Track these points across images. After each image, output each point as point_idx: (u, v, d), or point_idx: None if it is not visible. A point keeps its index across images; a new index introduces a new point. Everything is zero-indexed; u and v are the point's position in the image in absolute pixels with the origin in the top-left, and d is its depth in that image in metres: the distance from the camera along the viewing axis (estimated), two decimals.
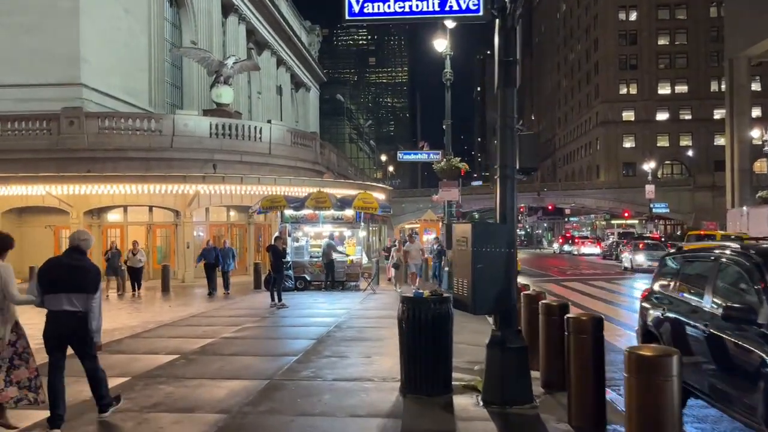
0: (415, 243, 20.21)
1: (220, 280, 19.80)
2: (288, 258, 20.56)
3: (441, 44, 21.42)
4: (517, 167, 6.67)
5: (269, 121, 27.77)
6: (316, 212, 20.81)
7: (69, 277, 5.64)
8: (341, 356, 9.19)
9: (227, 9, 43.82)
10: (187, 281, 24.18)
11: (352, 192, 25.51)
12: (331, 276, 19.72)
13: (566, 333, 5.92)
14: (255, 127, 27.08)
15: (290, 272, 20.18)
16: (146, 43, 33.51)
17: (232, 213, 27.82)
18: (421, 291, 7.18)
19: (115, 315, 14.41)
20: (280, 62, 57.58)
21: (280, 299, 15.72)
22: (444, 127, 21.37)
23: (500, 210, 6.54)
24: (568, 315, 6.07)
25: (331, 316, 13.92)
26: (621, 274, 29.22)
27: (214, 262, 19.53)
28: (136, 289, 19.90)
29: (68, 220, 24.21)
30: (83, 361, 5.78)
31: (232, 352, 9.62)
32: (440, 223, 31.52)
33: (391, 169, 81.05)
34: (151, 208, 25.55)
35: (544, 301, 7.51)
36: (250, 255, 28.07)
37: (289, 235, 20.87)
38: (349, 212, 20.87)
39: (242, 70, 29.47)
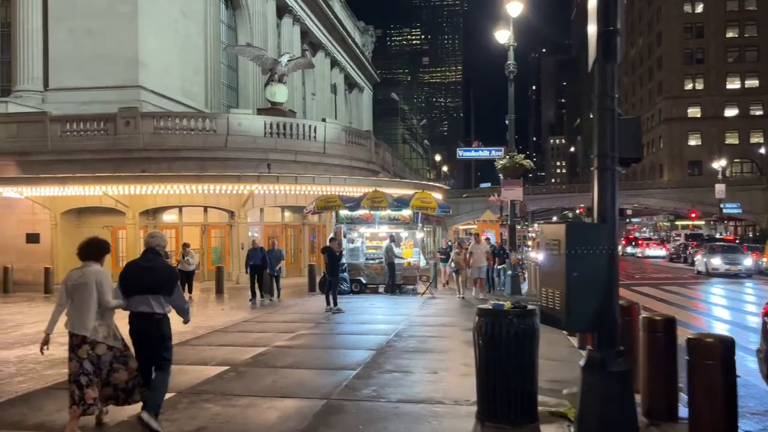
0: (480, 244, 18.74)
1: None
2: (343, 260, 19.90)
3: (503, 35, 20.33)
4: (617, 156, 5.61)
5: (324, 120, 27.21)
6: (372, 212, 20.03)
7: (144, 280, 5.76)
8: (404, 371, 8.29)
9: (282, 10, 43.74)
10: (242, 283, 23.73)
11: (409, 192, 24.61)
12: (392, 279, 18.82)
13: (687, 358, 4.85)
14: (309, 126, 26.52)
15: (345, 275, 19.47)
16: (202, 45, 33.57)
17: (287, 213, 27.34)
18: (501, 302, 6.21)
19: None
20: (334, 63, 57.32)
21: (335, 303, 14.96)
22: (507, 122, 20.23)
23: (599, 208, 5.50)
24: (690, 337, 5.00)
25: (390, 322, 13.05)
26: (695, 279, 27.33)
27: (261, 264, 17.96)
28: (187, 292, 19.07)
29: (125, 220, 24.20)
30: (155, 362, 5.80)
31: (285, 363, 8.85)
32: (499, 224, 30.33)
33: (445, 169, 79.69)
34: (205, 208, 25.31)
35: (645, 315, 6.42)
36: (304, 256, 27.55)
37: (344, 236, 20.15)
38: (406, 212, 19.99)
39: (296, 68, 29.01)
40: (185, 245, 19.61)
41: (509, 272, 20.18)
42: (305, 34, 48.19)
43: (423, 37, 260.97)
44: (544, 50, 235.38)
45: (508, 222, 20.78)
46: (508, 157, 20.00)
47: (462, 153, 21.74)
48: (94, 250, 5.82)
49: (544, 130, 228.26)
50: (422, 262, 20.15)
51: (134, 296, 5.74)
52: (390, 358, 9.20)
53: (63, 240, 24.71)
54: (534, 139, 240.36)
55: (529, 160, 20.11)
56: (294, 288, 21.69)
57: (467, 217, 67.12)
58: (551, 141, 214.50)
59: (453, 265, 19.44)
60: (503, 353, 5.86)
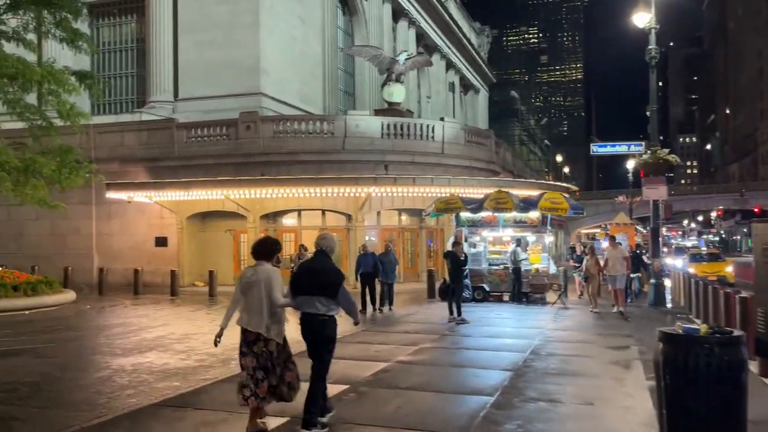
0: (618, 249, 16.34)
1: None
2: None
3: (642, 18, 18.27)
4: None
5: (442, 119, 26.16)
6: (496, 214, 18.65)
7: (312, 281, 5.89)
8: (552, 400, 6.97)
9: (397, 14, 43.42)
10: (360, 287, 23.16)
11: (533, 193, 22.94)
12: (518, 287, 17.40)
13: None
14: (427, 126, 25.55)
15: (467, 281, 18.20)
16: (320, 51, 33.70)
17: (404, 216, 26.52)
18: (694, 326, 4.78)
19: None
20: (450, 65, 56.44)
21: (459, 313, 13.78)
22: (648, 113, 18.20)
23: None
24: None
25: (522, 336, 11.68)
26: None
27: (372, 271, 16.13)
28: None
29: (246, 224, 24.40)
30: (313, 363, 5.89)
31: (410, 384, 7.80)
32: (634, 228, 27.84)
33: (566, 170, 76.01)
34: (323, 212, 25.03)
35: None
36: (422, 261, 26.61)
37: (465, 240, 18.91)
38: (533, 214, 18.42)
39: (414, 66, 28.19)
40: (302, 247, 18.94)
41: (652, 280, 18.06)
42: (420, 36, 47.54)
43: (541, 35, 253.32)
44: (671, 44, 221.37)
45: (651, 224, 18.60)
46: (649, 152, 17.91)
47: (596, 149, 19.79)
48: (265, 250, 5.99)
49: (671, 128, 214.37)
50: (552, 269, 18.49)
51: (303, 296, 5.86)
52: (531, 381, 7.90)
53: (188, 243, 25.37)
54: (661, 138, 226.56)
55: (675, 155, 17.87)
56: (411, 294, 20.76)
57: (591, 220, 63.51)
58: (680, 140, 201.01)
59: (582, 272, 17.49)
60: (701, 393, 4.45)
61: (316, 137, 24.64)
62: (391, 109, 26.54)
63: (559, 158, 77.01)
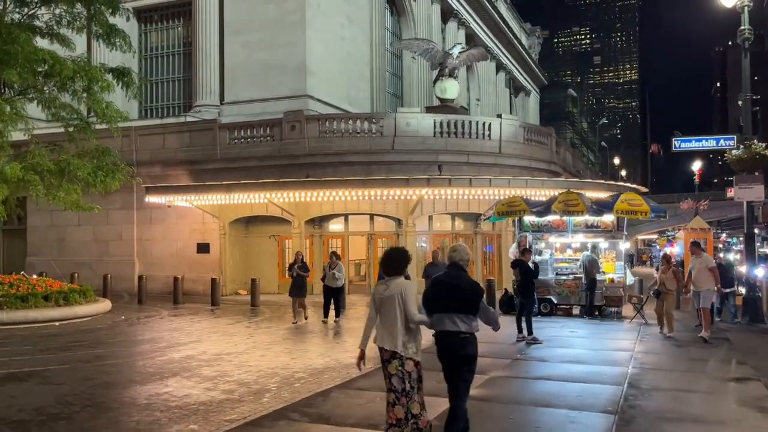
0: (702, 258, 13.00)
1: None
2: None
3: None
4: None
5: (499, 116, 24.28)
6: (564, 218, 16.72)
7: (448, 296, 5.52)
8: None
9: (446, 15, 41.95)
10: None
11: (601, 194, 20.88)
12: (591, 299, 15.42)
13: None
14: (483, 123, 23.67)
15: None
16: (368, 51, 32.52)
17: (457, 221, 24.73)
18: None
19: (320, 349, 11.81)
20: (500, 67, 54.80)
21: (530, 332, 11.94)
22: (740, 102, 16.00)
23: None
24: None
25: (611, 362, 9.81)
26: None
27: None
28: (333, 314, 15.61)
29: (290, 230, 23.04)
30: (453, 385, 5.50)
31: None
32: (712, 233, 25.35)
33: (623, 173, 72.49)
34: (371, 216, 23.48)
35: None
36: (477, 269, 24.72)
37: (529, 247, 17.04)
38: (607, 218, 16.42)
39: (469, 60, 26.38)
40: (333, 255, 16.36)
41: (742, 291, 15.83)
42: (470, 37, 45.81)
43: (593, 35, 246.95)
44: (730, 43, 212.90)
45: (744, 229, 16.31)
46: (743, 146, 15.69)
47: (679, 144, 17.58)
48: (395, 264, 5.70)
49: (731, 130, 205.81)
50: (629, 279, 16.43)
51: (439, 314, 5.51)
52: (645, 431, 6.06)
53: (231, 250, 24.18)
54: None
55: None
56: None
57: (648, 226, 60.27)
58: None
59: (655, 288, 13.93)
60: None
61: (363, 137, 23.11)
62: (444, 106, 24.77)
63: (616, 161, 73.58)
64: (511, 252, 17.73)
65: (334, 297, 15.60)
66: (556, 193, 18.51)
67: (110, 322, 15.73)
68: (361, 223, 23.82)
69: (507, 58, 56.76)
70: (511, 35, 55.34)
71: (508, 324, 12.76)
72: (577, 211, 15.96)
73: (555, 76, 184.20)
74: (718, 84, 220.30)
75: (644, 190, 24.31)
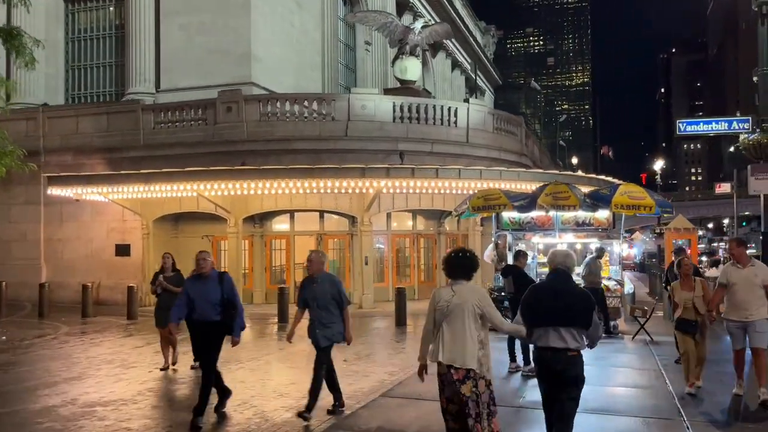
0: (755, 266, 7.79)
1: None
2: None
3: None
4: None
5: (466, 100, 21.56)
6: (551, 215, 14.03)
7: (554, 306, 4.87)
8: None
9: (402, 7, 39.45)
10: (366, 307, 18.52)
11: (583, 189, 18.33)
12: (605, 314, 12.35)
13: None
14: (449, 109, 20.86)
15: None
16: (319, 39, 29.82)
17: (419, 219, 21.88)
18: None
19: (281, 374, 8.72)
20: (455, 64, 53.09)
21: (528, 360, 9.04)
22: (755, 79, 13.56)
23: None
24: None
25: (650, 411, 7.08)
26: None
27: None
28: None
29: (226, 229, 19.71)
30: (557, 412, 4.81)
31: None
32: (697, 234, 23.18)
33: (580, 173, 71.05)
34: (321, 213, 20.40)
35: None
36: (440, 274, 21.91)
37: (509, 249, 14.30)
38: (602, 214, 13.81)
39: (432, 38, 23.49)
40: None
41: None
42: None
43: (546, 37, 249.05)
44: (674, 50, 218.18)
45: (762, 227, 13.90)
46: (760, 131, 13.27)
47: (684, 127, 15.12)
48: (463, 266, 5.00)
49: (675, 135, 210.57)
50: (627, 287, 13.83)
51: (543, 327, 4.86)
52: None
53: (156, 252, 20.60)
54: (663, 144, 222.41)
55: None
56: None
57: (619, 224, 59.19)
58: (684, 146, 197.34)
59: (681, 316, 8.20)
60: None
61: (312, 121, 20.01)
62: (404, 88, 21.82)
63: (574, 160, 72.25)
64: (487, 255, 14.97)
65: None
66: (534, 188, 15.89)
67: None
68: (310, 222, 20.75)
69: (462, 55, 55.03)
70: (467, 32, 53.74)
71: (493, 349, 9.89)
72: (567, 205, 13.25)
73: (508, 77, 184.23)
74: (663, 90, 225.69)
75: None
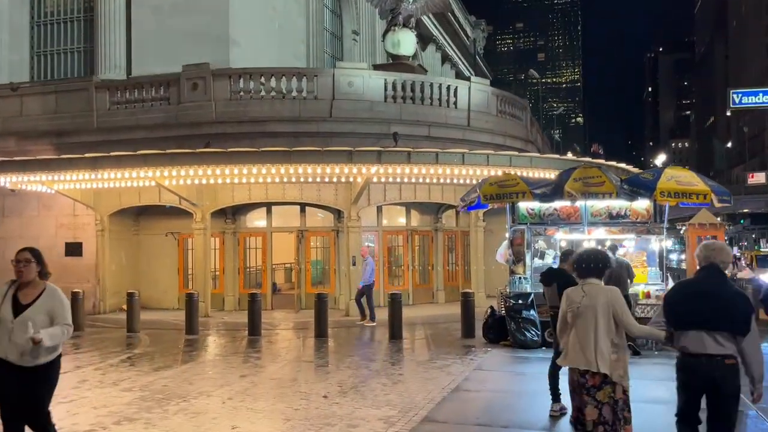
0: None
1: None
2: (529, 288, 11.83)
3: None
4: None
5: (468, 78, 19.07)
6: (578, 205, 11.54)
7: (706, 308, 4.32)
8: None
9: None
10: (353, 314, 15.92)
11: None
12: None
13: None
14: (448, 87, 18.31)
15: (532, 313, 11.16)
16: (304, 27, 27.49)
17: (414, 213, 19.35)
18: None
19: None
20: (445, 58, 51.03)
21: (558, 398, 6.45)
22: None
23: None
24: None
25: None
26: None
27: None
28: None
29: (192, 224, 17.05)
30: (715, 423, 4.32)
31: None
32: (725, 228, 20.89)
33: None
34: (302, 207, 17.80)
35: None
36: (437, 275, 19.46)
37: (527, 246, 11.83)
38: (641, 204, 11.33)
39: (428, 10, 21.02)
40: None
41: None
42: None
43: (536, 33, 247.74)
44: (660, 49, 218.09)
45: None
46: None
47: (739, 98, 12.61)
48: (595, 265, 4.72)
49: (662, 133, 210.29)
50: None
51: (694, 330, 4.32)
52: None
53: (114, 252, 18.01)
54: (650, 144, 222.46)
55: None
56: (430, 326, 13.80)
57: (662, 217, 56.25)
58: (673, 144, 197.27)
59: None
60: None
61: (291, 100, 17.38)
62: (397, 64, 19.21)
63: (569, 155, 70.37)
64: (500, 255, 12.53)
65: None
66: (552, 176, 13.45)
67: None
68: (290, 217, 18.19)
69: (452, 49, 52.91)
70: (457, 25, 51.76)
71: (503, 358, 7.43)
72: (602, 192, 10.79)
73: (498, 73, 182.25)
74: (650, 89, 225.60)
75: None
